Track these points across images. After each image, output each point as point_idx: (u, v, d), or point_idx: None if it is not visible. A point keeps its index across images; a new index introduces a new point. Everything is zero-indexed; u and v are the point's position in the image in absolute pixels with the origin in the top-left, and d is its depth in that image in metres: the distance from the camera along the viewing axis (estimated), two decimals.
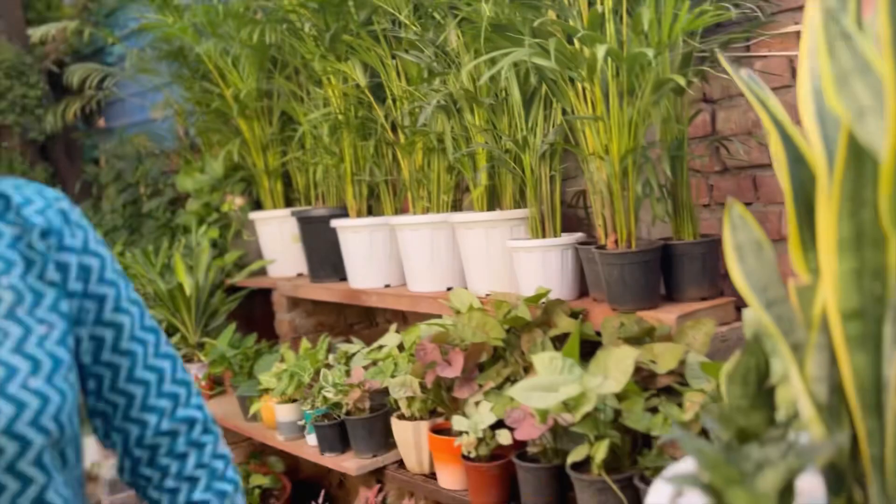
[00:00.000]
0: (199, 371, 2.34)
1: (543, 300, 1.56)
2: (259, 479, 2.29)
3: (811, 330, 0.55)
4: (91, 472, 2.65)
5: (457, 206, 2.11)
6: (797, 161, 0.53)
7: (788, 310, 0.59)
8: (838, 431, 0.57)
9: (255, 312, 3.04)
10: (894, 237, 0.41)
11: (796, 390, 0.58)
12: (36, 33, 3.18)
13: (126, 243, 3.47)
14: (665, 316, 1.39)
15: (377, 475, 1.81)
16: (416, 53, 1.89)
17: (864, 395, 0.51)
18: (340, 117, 2.20)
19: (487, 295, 1.75)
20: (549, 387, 1.22)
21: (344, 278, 2.33)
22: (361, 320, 2.80)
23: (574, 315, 1.54)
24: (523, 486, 1.43)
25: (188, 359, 2.45)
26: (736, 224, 0.60)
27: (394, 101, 2.06)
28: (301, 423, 1.91)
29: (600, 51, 1.18)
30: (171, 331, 2.45)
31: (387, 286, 2.22)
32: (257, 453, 2.44)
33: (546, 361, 1.25)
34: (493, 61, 1.50)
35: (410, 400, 1.60)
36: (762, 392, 0.66)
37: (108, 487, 2.44)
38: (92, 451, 2.65)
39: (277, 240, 2.70)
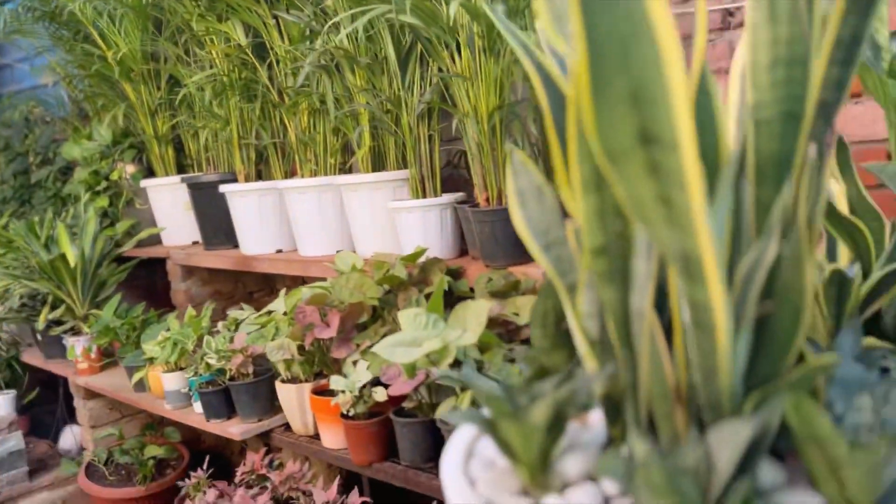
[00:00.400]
0: (85, 343, 2.27)
1: (421, 259, 1.57)
2: (154, 450, 2.26)
3: (582, 269, 0.58)
4: None
5: (345, 169, 2.09)
6: (559, 106, 0.55)
7: (567, 251, 0.61)
8: (609, 364, 0.59)
9: (153, 283, 2.96)
10: (611, 173, 0.43)
11: (572, 327, 0.61)
12: None
13: (15, 215, 3.31)
14: (532, 271, 1.43)
15: (265, 439, 1.80)
16: (296, 13, 1.85)
17: (617, 328, 0.54)
18: (224, 79, 2.14)
19: (372, 256, 1.76)
20: (412, 342, 1.24)
21: (237, 245, 2.30)
22: (261, 288, 2.77)
23: (450, 273, 1.56)
24: (400, 441, 1.45)
25: (76, 331, 2.37)
26: (517, 170, 0.62)
27: (277, 62, 2.02)
28: (187, 391, 1.88)
29: (453, 5, 1.18)
30: (55, 303, 2.36)
31: (279, 251, 2.20)
32: (153, 424, 2.39)
33: (411, 317, 1.27)
34: (356, 18, 1.48)
35: (289, 362, 1.60)
36: (560, 332, 0.69)
37: None
38: None
39: (170, 208, 2.62)
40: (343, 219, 1.96)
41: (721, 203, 0.49)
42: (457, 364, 1.22)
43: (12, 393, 2.63)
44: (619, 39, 0.39)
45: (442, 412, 1.29)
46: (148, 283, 2.96)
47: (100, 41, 2.49)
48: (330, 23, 1.64)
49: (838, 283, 0.89)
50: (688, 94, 0.39)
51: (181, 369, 1.90)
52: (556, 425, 0.60)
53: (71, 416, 2.77)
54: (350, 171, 2.12)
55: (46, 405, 3.06)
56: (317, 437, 1.68)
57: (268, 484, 1.63)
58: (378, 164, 1.90)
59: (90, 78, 2.63)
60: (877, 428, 0.52)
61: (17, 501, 2.39)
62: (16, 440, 2.37)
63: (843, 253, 0.96)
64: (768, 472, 0.54)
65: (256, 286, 2.75)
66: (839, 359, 0.54)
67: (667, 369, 0.51)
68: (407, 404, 1.45)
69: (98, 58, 2.51)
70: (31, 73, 3.08)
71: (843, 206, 0.94)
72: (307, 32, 1.88)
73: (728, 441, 0.48)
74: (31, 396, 2.89)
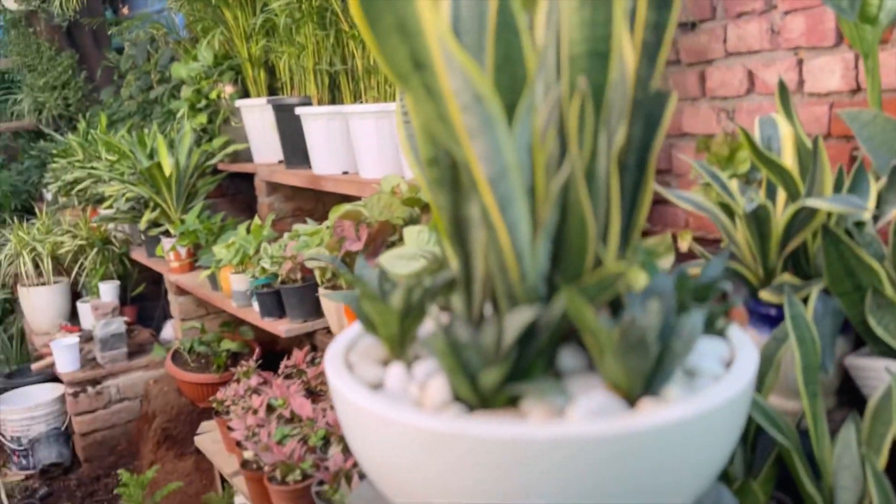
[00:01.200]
0: (173, 242, 2.56)
1: None
2: (228, 344, 2.54)
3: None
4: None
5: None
6: None
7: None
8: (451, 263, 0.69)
9: (246, 196, 3.24)
10: (406, 95, 0.52)
11: (440, 232, 0.71)
12: None
13: (137, 127, 3.66)
14: None
15: (311, 339, 2.01)
16: None
17: (450, 227, 0.64)
18: (304, 6, 2.28)
19: (411, 180, 1.88)
20: (412, 256, 1.36)
21: (311, 165, 2.48)
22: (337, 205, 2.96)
23: None
24: None
25: (169, 233, 2.67)
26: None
27: None
28: (248, 291, 2.11)
29: None
30: (154, 207, 2.66)
31: (345, 173, 2.36)
32: (230, 323, 2.68)
33: (414, 234, 1.39)
34: None
35: (324, 270, 1.77)
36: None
37: (100, 344, 2.72)
38: (89, 316, 2.94)
39: (260, 127, 2.84)
40: (397, 144, 2.09)
41: (521, 123, 0.57)
42: None
43: (117, 283, 2.99)
44: None
45: None
46: (245, 195, 3.25)
47: None
48: None
49: (757, 219, 0.93)
50: (438, 29, 0.47)
51: (244, 272, 2.12)
52: (415, 310, 0.71)
53: (170, 310, 3.13)
54: None
55: (154, 300, 3.45)
56: None
57: (304, 377, 1.84)
58: None
59: (194, 3, 2.85)
60: (656, 328, 0.60)
61: (118, 376, 2.76)
62: (118, 324, 2.72)
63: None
64: (565, 356, 0.63)
65: (334, 204, 2.95)
66: (628, 267, 0.61)
67: (480, 265, 0.61)
68: None
69: None
70: None
71: (788, 149, 0.96)
72: None
73: (514, 323, 0.58)
74: (139, 290, 3.28)
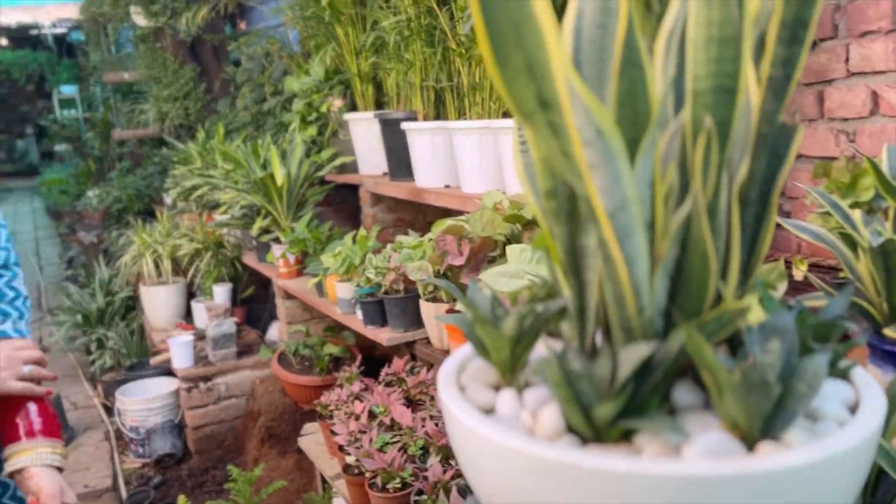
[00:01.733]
0: (283, 249, 2.67)
1: None
2: (331, 349, 2.63)
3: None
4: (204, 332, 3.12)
5: (507, 114, 2.22)
6: None
7: None
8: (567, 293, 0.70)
9: (350, 206, 3.35)
10: (529, 131, 0.54)
11: (552, 259, 0.72)
12: None
13: (248, 137, 3.86)
14: None
15: (410, 349, 2.05)
16: None
17: (566, 259, 0.65)
18: (412, 25, 2.35)
19: (513, 196, 1.90)
20: (515, 274, 1.37)
21: (414, 177, 2.54)
22: (438, 218, 3.02)
23: None
24: None
25: (279, 241, 2.79)
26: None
27: (454, 10, 2.18)
28: (352, 299, 2.18)
29: None
30: (266, 215, 2.79)
31: (446, 186, 2.40)
32: (333, 328, 2.77)
33: (517, 252, 1.40)
34: None
35: (425, 284, 1.81)
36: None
37: (212, 343, 2.88)
38: (202, 315, 3.11)
39: (366, 140, 2.93)
40: (499, 160, 2.11)
41: (643, 158, 0.57)
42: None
43: (229, 285, 3.15)
44: (513, 23, 0.50)
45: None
46: (350, 205, 3.36)
47: None
48: None
49: (883, 253, 0.89)
50: (566, 70, 0.49)
51: (349, 281, 2.20)
52: (527, 336, 0.73)
53: (276, 313, 3.27)
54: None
55: (261, 302, 3.62)
56: (449, 351, 1.89)
57: (404, 386, 1.88)
58: None
59: (308, 20, 2.98)
60: (777, 368, 0.59)
61: (227, 374, 2.91)
62: (229, 325, 2.87)
63: None
64: (681, 393, 0.63)
65: (435, 217, 3.00)
66: (751, 305, 0.60)
67: (594, 295, 0.62)
68: None
69: (314, 2, 2.85)
70: (270, 13, 3.53)
71: None
72: None
73: (630, 357, 0.59)
74: (249, 293, 3.44)
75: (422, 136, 2.40)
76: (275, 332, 3.31)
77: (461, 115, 2.41)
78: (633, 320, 0.61)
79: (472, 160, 2.18)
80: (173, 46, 4.94)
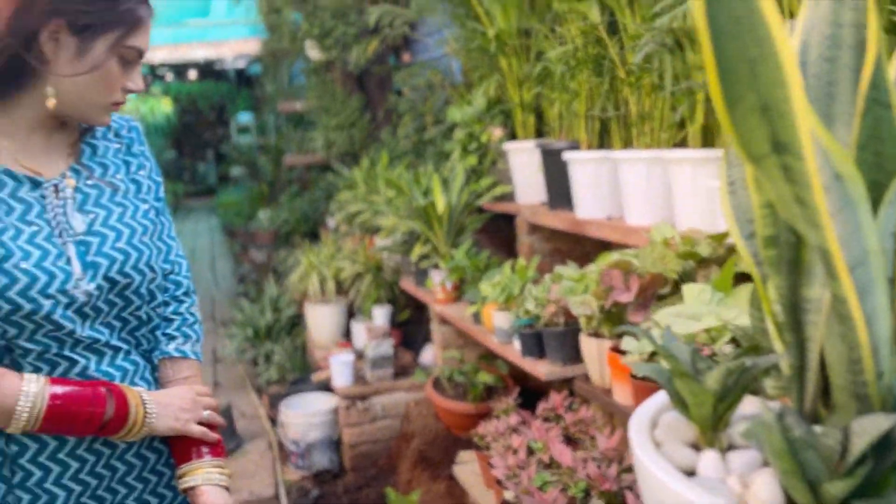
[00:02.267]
0: (441, 276, 2.71)
1: (729, 239, 1.59)
2: (485, 377, 2.63)
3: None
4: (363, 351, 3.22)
5: (678, 144, 2.13)
6: None
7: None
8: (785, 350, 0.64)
9: (508, 235, 3.36)
10: (758, 174, 0.49)
11: (765, 311, 0.66)
12: None
13: (411, 165, 3.98)
14: None
15: (568, 383, 2.00)
16: None
17: (785, 313, 0.59)
18: (579, 55, 2.32)
19: (685, 231, 1.81)
20: (693, 315, 1.30)
21: (574, 208, 2.50)
22: (596, 250, 2.95)
23: None
24: None
25: (436, 266, 2.84)
26: (731, 161, 0.68)
27: (624, 40, 2.14)
28: (510, 329, 2.17)
29: None
30: (425, 241, 2.85)
31: (608, 218, 2.34)
32: (488, 355, 2.77)
33: (695, 292, 1.33)
34: None
35: (589, 318, 1.76)
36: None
37: (370, 363, 2.97)
38: (361, 335, 3.22)
39: (525, 169, 2.93)
40: (668, 192, 2.03)
41: (889, 206, 0.51)
42: (733, 343, 1.26)
43: (388, 308, 3.24)
44: (748, 61, 0.46)
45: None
46: (504, 233, 3.37)
47: (484, 19, 2.87)
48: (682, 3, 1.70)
49: None
50: (808, 111, 0.44)
51: (508, 310, 2.19)
52: (733, 392, 0.67)
53: (430, 337, 3.33)
54: (683, 146, 2.16)
55: (415, 325, 3.70)
56: (610, 390, 1.82)
57: (562, 422, 1.83)
58: (708, 141, 1.91)
59: (472, 52, 3.04)
60: None
61: (383, 394, 2.99)
62: (387, 347, 2.95)
63: None
64: None
65: (592, 248, 2.94)
66: None
67: (816, 354, 0.56)
68: None
69: (481, 34, 2.90)
70: (435, 45, 3.63)
71: None
72: (658, 11, 1.96)
73: (867, 430, 0.53)
74: (405, 315, 3.52)
75: (584, 166, 2.35)
76: (428, 355, 3.36)
77: (627, 144, 2.34)
78: (870, 386, 0.55)
79: (638, 191, 2.10)
80: (342, 78, 5.22)
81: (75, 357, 1.05)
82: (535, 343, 2.02)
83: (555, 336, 1.95)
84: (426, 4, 3.24)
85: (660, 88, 2.05)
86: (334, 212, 4.38)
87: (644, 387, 1.61)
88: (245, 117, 12.49)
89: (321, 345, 3.67)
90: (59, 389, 1.00)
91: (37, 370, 1.03)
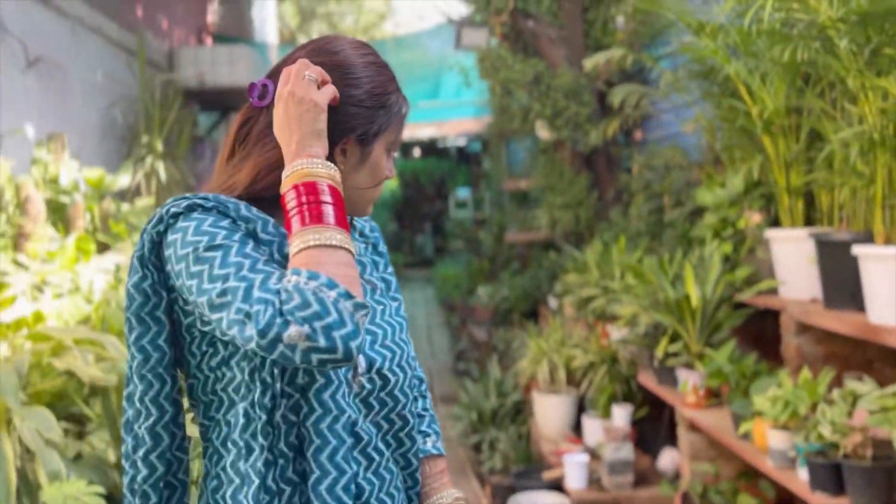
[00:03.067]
0: (697, 379, 2.44)
1: None
2: (746, 500, 2.29)
3: None
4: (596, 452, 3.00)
5: None
6: None
7: None
8: None
9: (762, 332, 2.99)
10: None
11: None
12: (589, 63, 3.68)
13: (646, 249, 3.75)
14: None
15: None
16: None
17: None
18: (875, 136, 2.02)
19: None
20: None
21: (862, 309, 2.14)
22: (885, 358, 2.51)
23: None
24: None
25: (688, 366, 2.57)
26: None
27: None
28: (793, 454, 1.85)
29: None
30: (674, 336, 2.61)
31: None
32: (747, 474, 2.42)
33: None
34: None
35: None
36: None
37: (608, 468, 2.74)
38: (593, 431, 3.00)
39: (792, 260, 2.60)
40: None
41: None
42: None
43: (629, 407, 3.00)
44: None
45: None
46: (757, 330, 3.01)
47: (746, 97, 2.64)
48: None
49: None
50: None
51: (788, 429, 1.88)
52: None
53: (671, 441, 3.02)
54: None
55: (650, 423, 3.40)
56: None
57: None
58: None
59: (729, 131, 2.80)
60: None
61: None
62: (627, 451, 2.71)
63: None
64: None
65: (878, 355, 2.51)
66: None
67: None
68: None
69: (743, 113, 2.66)
70: (681, 123, 3.43)
71: None
72: None
73: None
74: (642, 414, 3.25)
75: (882, 263, 2.01)
76: (667, 459, 3.05)
77: None
78: None
79: None
80: (571, 156, 5.16)
81: None
82: (832, 476, 1.70)
83: (860, 472, 1.62)
84: (676, 83, 3.07)
85: None
86: (560, 293, 4.25)
87: None
88: (463, 192, 12.95)
89: (548, 437, 3.49)
90: None
91: None
